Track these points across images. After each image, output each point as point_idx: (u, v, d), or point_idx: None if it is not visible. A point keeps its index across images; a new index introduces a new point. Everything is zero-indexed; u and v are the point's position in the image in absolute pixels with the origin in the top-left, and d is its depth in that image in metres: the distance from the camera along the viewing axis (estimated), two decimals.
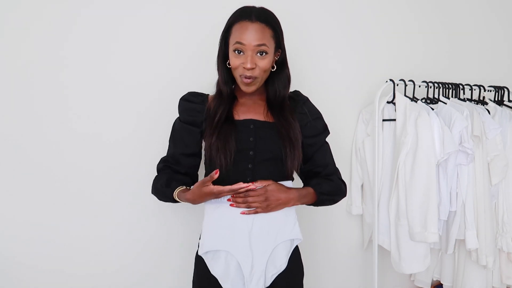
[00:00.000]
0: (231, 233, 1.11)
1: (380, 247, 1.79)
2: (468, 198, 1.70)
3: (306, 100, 1.24)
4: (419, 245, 1.65)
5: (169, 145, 1.24)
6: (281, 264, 1.14)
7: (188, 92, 1.22)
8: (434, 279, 2.03)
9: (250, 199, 1.08)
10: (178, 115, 1.23)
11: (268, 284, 1.12)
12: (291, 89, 1.24)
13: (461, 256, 1.83)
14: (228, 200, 1.11)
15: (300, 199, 1.14)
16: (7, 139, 1.32)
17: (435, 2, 2.07)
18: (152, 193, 1.23)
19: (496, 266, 1.84)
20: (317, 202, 1.19)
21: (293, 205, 1.14)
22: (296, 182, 1.26)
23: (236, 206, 1.09)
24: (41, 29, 1.33)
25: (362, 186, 1.89)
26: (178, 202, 1.16)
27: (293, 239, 1.17)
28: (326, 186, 1.18)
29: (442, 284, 1.96)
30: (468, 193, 1.70)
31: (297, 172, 1.23)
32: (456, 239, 1.76)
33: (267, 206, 1.09)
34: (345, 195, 1.25)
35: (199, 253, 1.15)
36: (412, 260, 1.65)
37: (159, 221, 1.54)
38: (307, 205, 1.20)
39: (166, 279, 1.56)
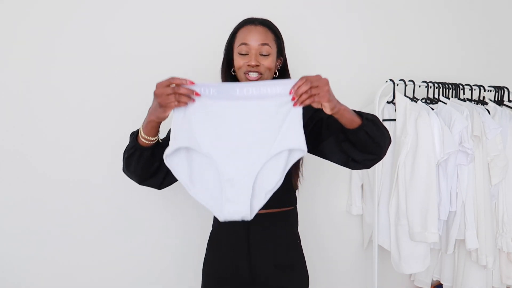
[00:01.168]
0: (212, 131, 0.90)
1: (380, 247, 1.79)
2: (468, 198, 1.70)
3: None
4: (419, 245, 1.65)
5: None
6: (277, 179, 0.93)
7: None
8: (434, 279, 2.03)
9: (306, 87, 0.88)
10: None
11: (261, 203, 0.94)
12: None
13: (461, 256, 1.83)
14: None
15: (340, 104, 0.94)
16: (3, 142, 1.32)
17: (434, 2, 2.07)
18: (123, 169, 1.07)
19: (496, 266, 1.84)
20: (362, 127, 0.96)
21: (336, 103, 0.92)
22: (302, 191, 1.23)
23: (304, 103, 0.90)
24: (41, 28, 1.34)
25: (362, 186, 1.89)
26: (142, 142, 0.97)
27: (292, 149, 0.94)
28: (371, 116, 1.00)
29: (442, 284, 1.96)
30: (468, 193, 1.70)
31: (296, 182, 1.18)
32: (456, 239, 1.75)
33: (323, 88, 0.89)
34: (390, 139, 1.04)
35: (164, 159, 0.92)
36: (412, 260, 1.65)
37: (168, 224, 1.54)
38: (349, 130, 0.97)
39: (174, 279, 1.57)
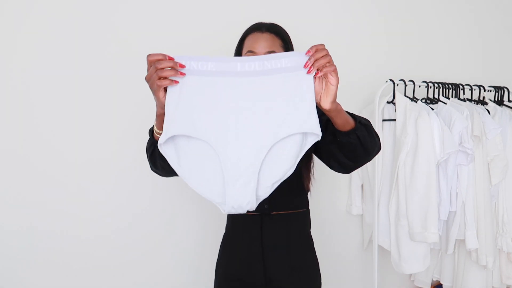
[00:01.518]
0: (211, 113, 0.80)
1: (380, 247, 1.79)
2: (468, 198, 1.70)
3: None
4: (419, 245, 1.65)
5: None
6: (286, 167, 0.81)
7: None
8: (434, 279, 2.03)
9: (325, 52, 0.80)
10: None
11: (266, 193, 0.81)
12: None
13: (461, 256, 1.83)
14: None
15: (338, 104, 0.87)
16: (3, 140, 1.32)
17: (434, 3, 2.07)
18: (150, 167, 1.01)
19: (496, 266, 1.84)
20: (354, 130, 0.90)
21: (336, 97, 0.84)
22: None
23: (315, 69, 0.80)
24: (47, 29, 1.34)
25: (362, 186, 1.89)
26: (158, 138, 0.88)
27: (305, 133, 0.81)
28: (364, 120, 0.96)
29: (442, 284, 1.96)
30: (468, 193, 1.70)
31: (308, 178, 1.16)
32: (456, 239, 1.75)
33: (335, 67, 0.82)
34: (380, 147, 0.99)
35: (158, 147, 0.82)
36: (412, 260, 1.65)
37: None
38: (341, 132, 0.90)
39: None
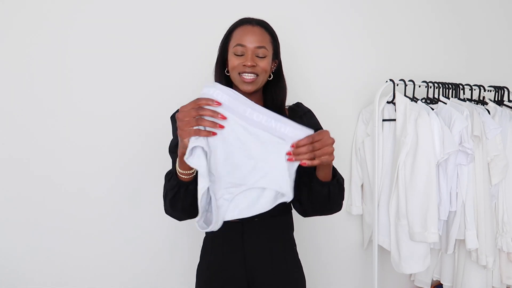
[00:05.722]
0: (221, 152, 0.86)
1: (380, 247, 1.79)
2: (468, 198, 1.70)
3: (306, 111, 1.18)
4: (419, 245, 1.65)
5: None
6: (261, 204, 0.89)
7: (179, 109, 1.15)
8: (434, 279, 2.03)
9: (317, 146, 0.84)
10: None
11: (240, 214, 0.90)
12: (294, 97, 1.22)
13: (461, 256, 1.83)
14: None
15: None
16: (4, 143, 1.32)
17: (435, 3, 2.07)
18: (166, 211, 1.01)
19: (496, 266, 1.84)
20: (328, 184, 0.97)
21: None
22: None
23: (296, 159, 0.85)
24: (44, 29, 1.34)
25: (362, 186, 1.89)
26: (183, 178, 0.92)
27: (280, 193, 0.90)
28: (341, 179, 1.02)
29: (442, 284, 1.96)
30: (468, 193, 1.70)
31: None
32: (456, 239, 1.76)
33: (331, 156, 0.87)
34: (340, 208, 1.08)
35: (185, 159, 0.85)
36: (412, 260, 1.65)
37: (164, 228, 1.54)
38: (319, 181, 0.96)
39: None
